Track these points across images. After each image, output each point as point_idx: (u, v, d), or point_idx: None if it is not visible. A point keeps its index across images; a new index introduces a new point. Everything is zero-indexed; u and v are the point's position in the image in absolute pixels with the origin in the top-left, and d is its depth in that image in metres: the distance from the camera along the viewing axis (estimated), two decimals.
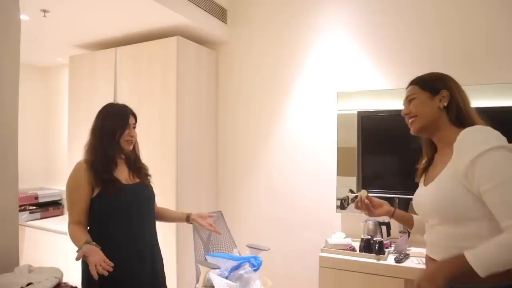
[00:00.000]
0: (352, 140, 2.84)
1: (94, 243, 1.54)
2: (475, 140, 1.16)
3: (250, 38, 3.36)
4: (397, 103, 2.73)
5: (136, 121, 1.87)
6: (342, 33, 2.97)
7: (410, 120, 1.40)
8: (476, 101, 2.42)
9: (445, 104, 1.31)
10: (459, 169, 1.17)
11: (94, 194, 1.69)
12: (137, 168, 1.88)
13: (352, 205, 2.82)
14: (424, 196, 1.33)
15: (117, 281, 1.60)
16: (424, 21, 2.70)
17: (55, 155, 4.54)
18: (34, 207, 4.04)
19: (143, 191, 1.85)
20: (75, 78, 3.58)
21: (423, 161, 1.47)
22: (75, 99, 3.58)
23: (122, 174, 1.80)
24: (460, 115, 1.30)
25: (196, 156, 3.24)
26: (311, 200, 3.06)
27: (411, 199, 1.45)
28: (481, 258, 1.04)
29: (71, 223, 1.68)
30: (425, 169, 1.44)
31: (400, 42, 2.77)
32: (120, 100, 3.23)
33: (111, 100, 3.29)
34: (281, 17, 3.21)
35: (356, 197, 1.63)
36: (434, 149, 1.42)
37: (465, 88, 1.37)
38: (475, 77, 2.49)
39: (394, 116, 2.74)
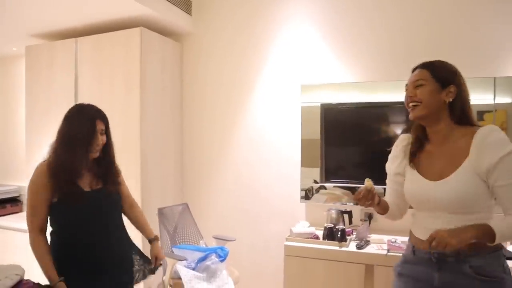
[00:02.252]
0: (316, 132, 2.91)
1: (63, 282, 1.54)
2: (497, 140, 1.29)
3: (215, 30, 3.35)
4: (359, 96, 2.84)
5: (106, 124, 1.77)
6: (306, 26, 3.02)
7: (412, 105, 1.41)
8: None
9: (451, 99, 1.36)
10: (481, 165, 1.29)
11: (54, 200, 1.63)
12: (105, 173, 1.79)
13: (316, 196, 2.90)
14: (439, 191, 1.35)
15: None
16: (385, 16, 2.80)
17: (13, 149, 4.35)
18: None
19: (105, 199, 1.76)
20: (32, 69, 3.44)
21: (411, 145, 1.51)
22: (32, 92, 3.44)
23: (86, 178, 1.72)
24: (462, 114, 1.37)
25: (161, 149, 3.21)
26: (276, 191, 3.12)
27: None
28: (503, 230, 1.23)
29: (33, 231, 1.63)
30: (414, 154, 1.49)
31: (363, 35, 2.85)
32: (82, 93, 3.16)
33: (71, 93, 3.20)
34: (245, 9, 3.22)
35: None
36: (423, 136, 1.48)
37: None
38: None
39: (356, 109, 2.85)
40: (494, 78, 2.45)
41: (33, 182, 1.66)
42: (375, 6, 2.82)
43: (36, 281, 1.59)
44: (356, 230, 2.65)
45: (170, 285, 2.48)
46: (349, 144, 2.89)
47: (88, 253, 1.66)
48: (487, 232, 1.23)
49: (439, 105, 1.38)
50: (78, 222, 1.65)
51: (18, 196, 4.15)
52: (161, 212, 2.73)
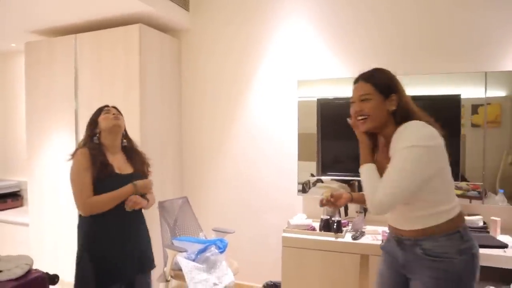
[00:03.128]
0: (312, 126, 2.97)
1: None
2: (404, 137, 1.41)
3: (212, 26, 3.39)
4: None
5: (117, 110, 2.07)
6: (303, 22, 3.07)
7: (360, 118, 1.52)
8: (431, 89, 2.63)
9: (394, 108, 1.48)
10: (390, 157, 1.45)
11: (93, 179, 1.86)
12: (133, 156, 2.08)
13: (312, 189, 2.97)
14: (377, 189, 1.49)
15: (106, 260, 1.84)
16: (379, 11, 2.85)
17: (13, 145, 4.39)
18: None
19: (134, 180, 1.97)
20: (31, 65, 3.47)
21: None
22: (32, 88, 3.47)
23: (117, 162, 1.97)
24: (404, 116, 1.47)
25: (161, 144, 3.26)
26: (274, 184, 3.18)
27: None
28: (365, 174, 1.50)
29: (85, 202, 1.82)
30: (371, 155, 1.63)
31: (358, 31, 2.91)
32: (81, 89, 3.21)
33: (71, 89, 3.25)
34: (243, 5, 3.26)
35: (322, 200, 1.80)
36: (374, 137, 1.61)
37: (421, 77, 1.53)
38: (429, 66, 2.68)
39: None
40: (485, 72, 2.51)
41: (79, 162, 1.86)
42: (370, 3, 2.87)
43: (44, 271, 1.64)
44: (351, 221, 2.72)
45: (171, 276, 2.54)
46: (345, 138, 2.91)
47: (115, 228, 1.89)
48: (364, 160, 1.52)
49: (385, 115, 1.50)
50: None
51: (19, 191, 4.20)
52: (161, 205, 2.78)
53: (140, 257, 1.99)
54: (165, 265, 2.57)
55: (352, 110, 1.56)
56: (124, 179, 1.93)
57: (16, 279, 1.44)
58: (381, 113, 1.49)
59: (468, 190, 2.56)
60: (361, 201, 1.79)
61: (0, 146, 4.47)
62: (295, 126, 3.05)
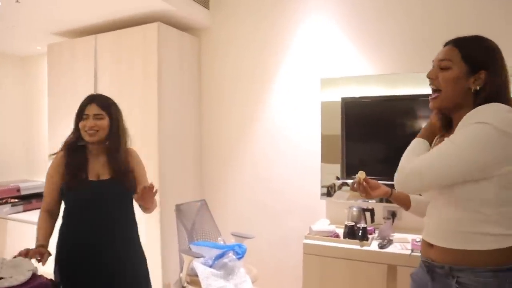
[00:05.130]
0: (336, 127, 2.81)
1: (44, 249, 1.64)
2: (478, 113, 1.11)
3: (233, 24, 3.30)
4: (382, 89, 2.73)
5: (107, 110, 1.78)
6: (325, 18, 2.93)
7: (432, 89, 1.24)
8: None
9: (478, 88, 1.15)
10: None
11: (62, 186, 1.74)
12: (115, 157, 1.79)
13: (338, 192, 2.82)
14: None
15: (69, 274, 1.69)
16: (408, 4, 2.67)
17: (37, 146, 4.45)
18: (16, 200, 3.97)
19: (108, 189, 1.76)
20: (54, 66, 3.50)
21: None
22: (54, 88, 3.50)
23: (96, 166, 1.78)
24: (489, 99, 1.13)
25: (179, 145, 3.19)
26: (295, 188, 3.05)
27: None
28: (410, 145, 1.26)
29: (41, 210, 1.79)
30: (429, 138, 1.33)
31: (385, 26, 2.74)
32: (101, 88, 3.18)
33: (91, 89, 3.23)
34: (263, 2, 3.15)
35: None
36: (448, 125, 1.29)
37: None
38: None
39: (379, 102, 2.74)
40: None
41: (49, 168, 1.80)
42: None
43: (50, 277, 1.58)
44: (378, 228, 2.55)
45: (187, 282, 2.46)
46: (371, 139, 2.78)
47: (77, 240, 1.74)
48: (418, 136, 1.28)
49: (463, 94, 1.18)
50: (75, 209, 1.75)
51: (43, 192, 4.24)
52: (178, 208, 2.71)
53: (114, 277, 1.72)
54: (181, 270, 2.49)
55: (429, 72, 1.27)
56: (97, 187, 1.73)
57: (18, 285, 1.38)
58: (457, 89, 1.17)
59: None
60: (401, 202, 1.50)
61: (26, 148, 4.55)
62: (318, 126, 2.90)
